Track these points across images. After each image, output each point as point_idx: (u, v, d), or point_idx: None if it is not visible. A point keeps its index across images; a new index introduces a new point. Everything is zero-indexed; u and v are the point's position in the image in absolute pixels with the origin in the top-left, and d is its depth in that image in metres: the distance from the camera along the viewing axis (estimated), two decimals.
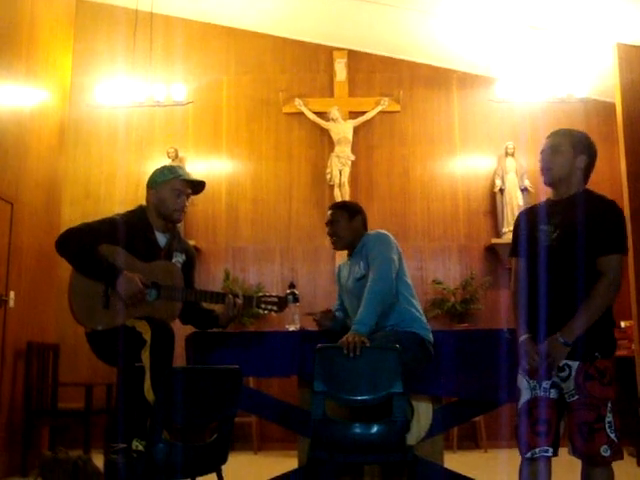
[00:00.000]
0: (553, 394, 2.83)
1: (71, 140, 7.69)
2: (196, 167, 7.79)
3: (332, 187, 7.73)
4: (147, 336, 3.24)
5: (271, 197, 7.96)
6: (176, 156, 7.71)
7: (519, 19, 6.82)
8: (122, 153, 7.85)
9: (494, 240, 7.61)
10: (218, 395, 3.03)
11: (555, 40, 7.04)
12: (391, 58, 8.13)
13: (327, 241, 7.58)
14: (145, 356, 3.20)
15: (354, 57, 8.12)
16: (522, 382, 2.92)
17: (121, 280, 3.30)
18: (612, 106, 7.20)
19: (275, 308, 3.72)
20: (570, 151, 2.97)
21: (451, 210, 7.93)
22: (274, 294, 3.79)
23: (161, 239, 3.60)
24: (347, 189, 7.66)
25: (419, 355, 3.53)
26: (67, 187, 7.64)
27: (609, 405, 2.73)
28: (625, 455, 6.70)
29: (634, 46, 6.71)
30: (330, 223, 3.81)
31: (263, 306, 3.70)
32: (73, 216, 7.31)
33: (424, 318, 3.70)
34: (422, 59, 8.08)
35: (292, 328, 3.98)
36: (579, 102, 7.88)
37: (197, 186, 3.73)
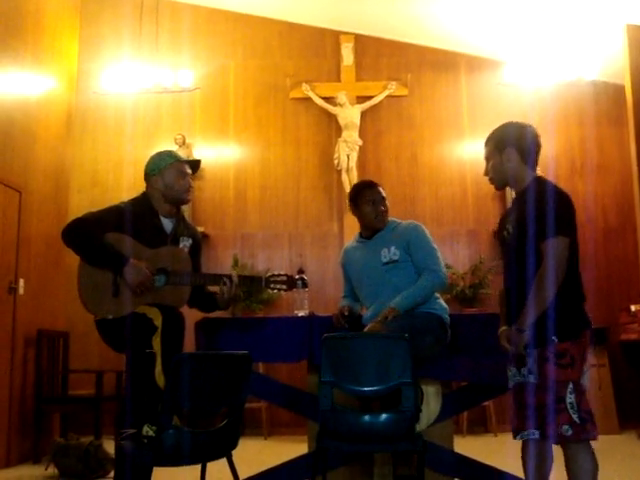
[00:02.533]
0: (532, 379, 2.86)
1: (78, 128, 7.69)
2: (204, 153, 7.79)
3: (340, 172, 7.71)
4: (158, 322, 3.23)
5: (279, 183, 7.94)
6: (183, 142, 7.69)
7: (527, 1, 6.76)
8: (129, 140, 7.83)
9: None
10: (228, 381, 3.01)
11: (564, 22, 6.97)
12: (398, 42, 8.08)
13: (336, 226, 7.78)
14: (156, 342, 3.20)
15: (361, 41, 8.07)
16: (508, 370, 3.02)
17: (128, 269, 3.29)
18: (622, 88, 7.15)
19: (284, 287, 3.69)
20: (495, 153, 3.04)
21: (460, 195, 7.90)
22: (282, 272, 3.74)
23: (167, 225, 3.59)
24: (355, 174, 7.62)
25: (441, 337, 3.56)
26: (75, 175, 7.64)
27: (570, 386, 2.76)
28: (637, 439, 6.67)
29: None
30: (384, 199, 3.79)
31: (272, 286, 3.67)
32: (81, 204, 7.32)
33: (442, 299, 3.75)
34: (429, 43, 8.02)
35: (301, 314, 3.97)
36: (588, 84, 7.80)
37: (194, 166, 3.74)
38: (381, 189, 3.82)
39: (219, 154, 7.99)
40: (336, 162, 7.72)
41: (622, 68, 6.92)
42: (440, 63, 8.09)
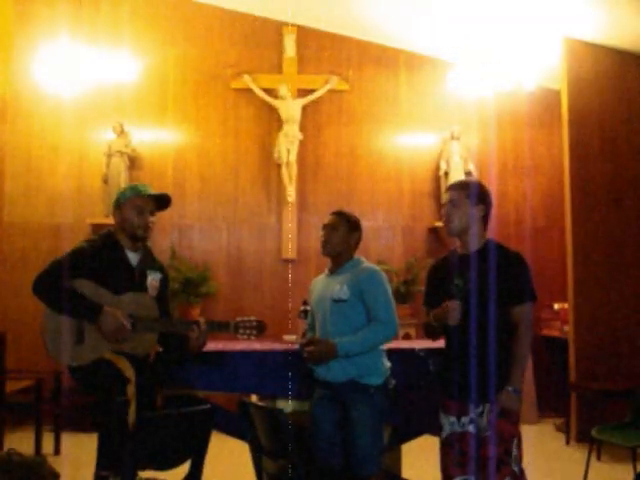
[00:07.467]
0: (472, 429, 3.09)
1: (12, 112, 7.47)
2: (142, 142, 7.68)
3: (279, 166, 7.72)
4: (129, 373, 3.24)
5: (218, 174, 7.90)
6: (121, 131, 7.55)
7: (470, 9, 6.83)
8: (66, 126, 7.60)
9: (437, 222, 7.77)
10: (188, 438, 3.10)
11: (503, 30, 7.07)
12: (340, 36, 8.05)
13: (274, 219, 7.82)
14: (130, 390, 3.20)
15: (303, 33, 7.98)
16: (442, 418, 3.21)
17: (103, 317, 3.29)
18: (554, 93, 7.38)
19: (255, 332, 3.61)
20: (466, 203, 3.17)
21: (396, 191, 8.05)
22: (252, 318, 3.66)
23: (133, 258, 3.57)
24: (294, 168, 7.67)
25: (383, 411, 3.58)
26: (7, 160, 7.44)
27: (515, 441, 3.04)
28: (555, 431, 7.06)
29: (581, 41, 6.83)
30: (328, 228, 3.70)
31: (241, 331, 3.61)
32: (15, 190, 7.20)
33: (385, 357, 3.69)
34: (371, 38, 8.03)
35: (287, 338, 4.17)
36: (525, 90, 7.95)
37: (161, 201, 3.71)
38: (335, 216, 3.74)
39: (158, 143, 7.85)
40: (276, 155, 7.72)
41: (557, 77, 7.11)
42: (381, 59, 8.13)
